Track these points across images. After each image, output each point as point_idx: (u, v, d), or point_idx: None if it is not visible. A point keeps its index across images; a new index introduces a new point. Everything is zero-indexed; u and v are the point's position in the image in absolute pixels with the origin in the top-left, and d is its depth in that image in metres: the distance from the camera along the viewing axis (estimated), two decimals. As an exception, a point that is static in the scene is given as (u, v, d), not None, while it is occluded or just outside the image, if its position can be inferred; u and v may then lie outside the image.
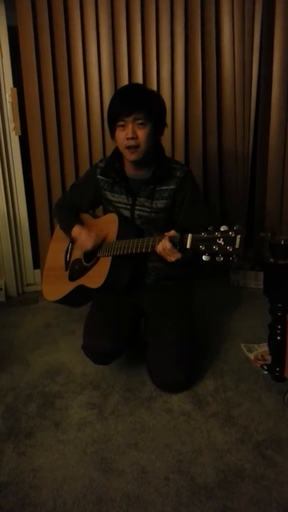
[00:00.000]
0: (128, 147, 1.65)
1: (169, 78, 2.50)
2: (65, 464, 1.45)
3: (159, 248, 1.52)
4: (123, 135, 1.65)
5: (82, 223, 1.89)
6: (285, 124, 2.63)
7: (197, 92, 2.53)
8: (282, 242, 1.62)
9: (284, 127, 2.64)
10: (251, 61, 2.58)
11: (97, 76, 2.45)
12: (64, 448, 1.51)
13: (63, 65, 2.40)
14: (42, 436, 1.57)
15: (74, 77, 2.44)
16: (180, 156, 2.58)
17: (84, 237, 1.79)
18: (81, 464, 1.44)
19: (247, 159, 2.74)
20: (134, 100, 1.63)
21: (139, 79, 2.47)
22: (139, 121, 1.62)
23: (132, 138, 1.63)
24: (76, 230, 1.85)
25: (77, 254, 1.90)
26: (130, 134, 1.63)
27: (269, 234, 1.66)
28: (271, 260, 1.66)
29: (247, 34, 2.52)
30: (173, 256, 1.50)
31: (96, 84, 2.46)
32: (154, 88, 2.48)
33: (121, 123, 1.64)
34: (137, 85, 1.84)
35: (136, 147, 1.65)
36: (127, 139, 1.63)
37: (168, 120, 2.51)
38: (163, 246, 1.51)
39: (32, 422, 1.63)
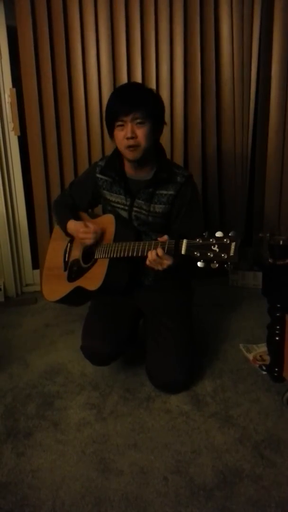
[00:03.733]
0: (128, 147, 1.64)
1: (168, 79, 2.50)
2: (64, 464, 1.45)
3: (148, 258, 1.52)
4: (122, 135, 1.63)
5: (78, 218, 1.87)
6: (284, 124, 2.64)
7: (196, 92, 2.53)
8: (281, 243, 1.63)
9: (283, 128, 2.64)
10: (250, 62, 2.58)
11: (96, 76, 2.45)
12: (63, 448, 1.51)
13: (62, 65, 2.40)
14: (41, 436, 1.57)
15: (73, 77, 2.44)
16: (179, 157, 2.59)
17: (82, 233, 1.75)
18: (80, 465, 1.44)
19: (246, 159, 2.75)
20: (132, 99, 1.61)
21: (138, 79, 2.47)
22: (138, 120, 1.60)
23: (132, 138, 1.61)
24: (71, 226, 1.83)
25: (76, 254, 1.89)
26: (129, 133, 1.61)
27: (268, 235, 1.66)
28: (269, 260, 1.67)
29: (246, 34, 2.52)
30: (164, 264, 1.50)
31: (95, 84, 2.46)
32: (153, 89, 2.48)
33: (120, 122, 1.62)
34: (135, 83, 1.79)
35: (136, 146, 1.63)
36: (127, 138, 1.62)
37: (167, 120, 2.50)
38: (150, 257, 1.51)
39: (31, 423, 1.63)
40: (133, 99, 1.61)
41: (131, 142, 1.62)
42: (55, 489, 1.35)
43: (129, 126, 1.61)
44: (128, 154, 1.67)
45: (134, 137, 1.61)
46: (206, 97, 2.56)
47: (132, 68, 2.47)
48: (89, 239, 1.73)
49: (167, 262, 1.50)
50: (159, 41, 2.45)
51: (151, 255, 1.51)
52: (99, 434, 1.57)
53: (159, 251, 1.49)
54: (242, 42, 2.52)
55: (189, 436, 1.55)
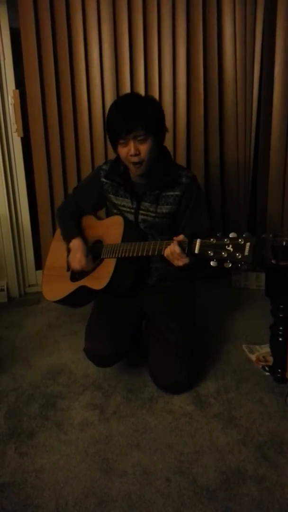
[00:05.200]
0: (133, 163, 1.65)
1: (171, 81, 2.50)
2: (67, 464, 1.45)
3: (167, 251, 1.52)
4: (125, 151, 1.64)
5: (83, 236, 1.87)
6: (287, 125, 2.63)
7: (199, 94, 2.53)
8: (284, 244, 1.63)
9: (286, 129, 2.63)
10: (253, 64, 2.58)
11: (99, 78, 2.46)
12: (66, 448, 1.51)
13: (65, 66, 2.41)
14: (44, 436, 1.57)
15: (76, 78, 2.45)
16: (182, 159, 2.59)
17: (78, 257, 1.78)
18: (83, 465, 1.45)
19: (249, 161, 2.74)
20: (132, 117, 1.60)
21: (140, 82, 2.48)
22: (140, 138, 1.60)
23: (135, 155, 1.62)
24: (75, 245, 1.83)
25: (80, 254, 1.90)
26: (133, 151, 1.61)
27: (271, 236, 1.66)
28: (273, 261, 1.67)
29: (249, 36, 2.52)
30: (181, 261, 1.50)
31: (98, 86, 2.47)
32: (156, 91, 2.49)
33: (122, 140, 1.62)
34: (133, 97, 1.73)
35: (140, 162, 1.64)
36: (130, 155, 1.63)
37: (170, 124, 2.51)
38: (172, 250, 1.50)
39: (34, 423, 1.64)
40: (133, 117, 1.59)
41: (135, 159, 1.63)
42: (58, 489, 1.36)
43: (131, 144, 1.61)
44: (134, 171, 1.69)
45: (137, 154, 1.62)
46: (209, 99, 2.56)
47: (135, 70, 2.48)
48: (78, 267, 1.78)
49: (184, 260, 1.49)
50: (162, 43, 2.45)
51: (169, 250, 1.50)
52: (102, 434, 1.57)
53: (177, 248, 1.48)
54: (245, 44, 2.51)
55: (192, 437, 1.55)
